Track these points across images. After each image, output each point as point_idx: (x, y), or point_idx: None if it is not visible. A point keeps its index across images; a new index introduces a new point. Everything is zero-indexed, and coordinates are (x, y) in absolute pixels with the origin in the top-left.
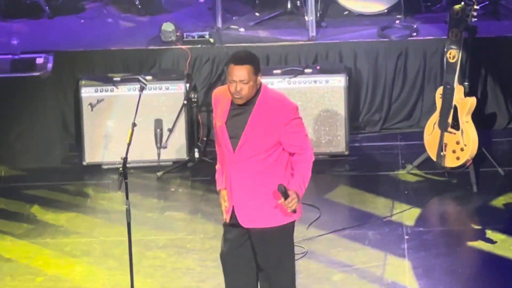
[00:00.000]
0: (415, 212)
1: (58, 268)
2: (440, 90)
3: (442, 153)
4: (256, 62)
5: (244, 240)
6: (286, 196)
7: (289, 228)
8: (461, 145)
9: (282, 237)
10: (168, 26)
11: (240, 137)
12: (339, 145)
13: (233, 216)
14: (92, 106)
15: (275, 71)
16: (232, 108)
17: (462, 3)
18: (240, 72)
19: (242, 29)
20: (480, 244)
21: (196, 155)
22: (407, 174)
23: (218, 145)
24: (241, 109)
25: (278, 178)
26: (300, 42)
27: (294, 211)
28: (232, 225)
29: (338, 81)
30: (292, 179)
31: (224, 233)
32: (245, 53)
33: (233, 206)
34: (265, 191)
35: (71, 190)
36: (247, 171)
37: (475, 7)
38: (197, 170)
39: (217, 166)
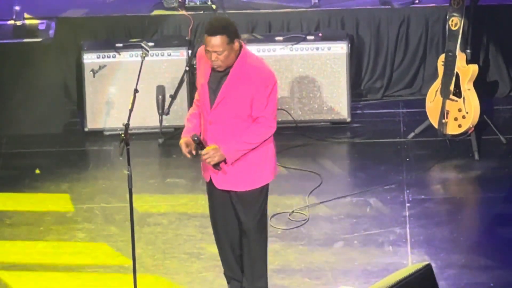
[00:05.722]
0: (417, 179)
1: (59, 234)
2: (442, 57)
3: (444, 121)
4: (231, 31)
5: (227, 202)
6: (200, 147)
7: (265, 190)
8: (463, 113)
9: (260, 199)
10: None
11: (216, 97)
12: (341, 112)
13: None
14: (94, 72)
15: (277, 38)
16: (213, 69)
17: None
18: (213, 43)
19: None
20: (481, 212)
21: None
22: (409, 141)
23: (199, 103)
24: (222, 70)
25: None
26: (303, 9)
27: (215, 166)
28: (213, 187)
29: (340, 48)
30: (232, 140)
31: (208, 193)
32: (219, 23)
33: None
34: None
35: (73, 156)
36: (222, 133)
37: None
38: None
39: (190, 112)
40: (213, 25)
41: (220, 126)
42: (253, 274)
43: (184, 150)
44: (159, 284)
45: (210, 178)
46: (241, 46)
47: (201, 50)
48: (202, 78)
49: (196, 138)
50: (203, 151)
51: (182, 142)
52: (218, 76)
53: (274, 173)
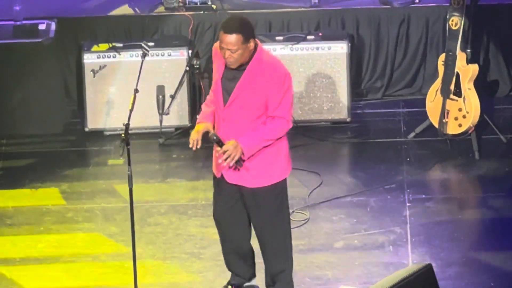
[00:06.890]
0: (417, 179)
1: (59, 234)
2: (442, 57)
3: (444, 120)
4: (247, 30)
5: (236, 199)
6: (220, 145)
7: (280, 187)
8: (463, 112)
9: (274, 196)
10: None
11: (231, 94)
12: (341, 112)
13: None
14: (94, 72)
15: (277, 38)
16: (227, 65)
17: None
18: (228, 40)
19: None
20: (481, 211)
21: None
22: (409, 141)
23: (214, 99)
24: (236, 68)
25: None
26: (303, 9)
27: (236, 165)
28: (222, 183)
29: (341, 48)
30: (248, 134)
31: (215, 192)
32: (235, 21)
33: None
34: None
35: (73, 156)
36: (236, 131)
37: None
38: None
39: (208, 98)
40: (230, 23)
41: (233, 124)
42: (271, 271)
43: (192, 136)
44: (159, 284)
45: (220, 172)
46: (256, 45)
47: (216, 45)
48: (216, 74)
49: (215, 137)
50: (223, 148)
51: (195, 130)
52: (232, 73)
53: (288, 171)
